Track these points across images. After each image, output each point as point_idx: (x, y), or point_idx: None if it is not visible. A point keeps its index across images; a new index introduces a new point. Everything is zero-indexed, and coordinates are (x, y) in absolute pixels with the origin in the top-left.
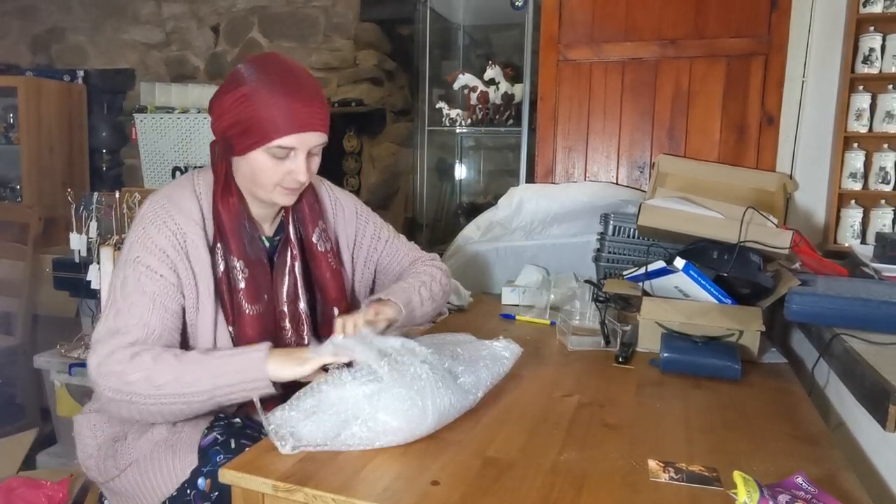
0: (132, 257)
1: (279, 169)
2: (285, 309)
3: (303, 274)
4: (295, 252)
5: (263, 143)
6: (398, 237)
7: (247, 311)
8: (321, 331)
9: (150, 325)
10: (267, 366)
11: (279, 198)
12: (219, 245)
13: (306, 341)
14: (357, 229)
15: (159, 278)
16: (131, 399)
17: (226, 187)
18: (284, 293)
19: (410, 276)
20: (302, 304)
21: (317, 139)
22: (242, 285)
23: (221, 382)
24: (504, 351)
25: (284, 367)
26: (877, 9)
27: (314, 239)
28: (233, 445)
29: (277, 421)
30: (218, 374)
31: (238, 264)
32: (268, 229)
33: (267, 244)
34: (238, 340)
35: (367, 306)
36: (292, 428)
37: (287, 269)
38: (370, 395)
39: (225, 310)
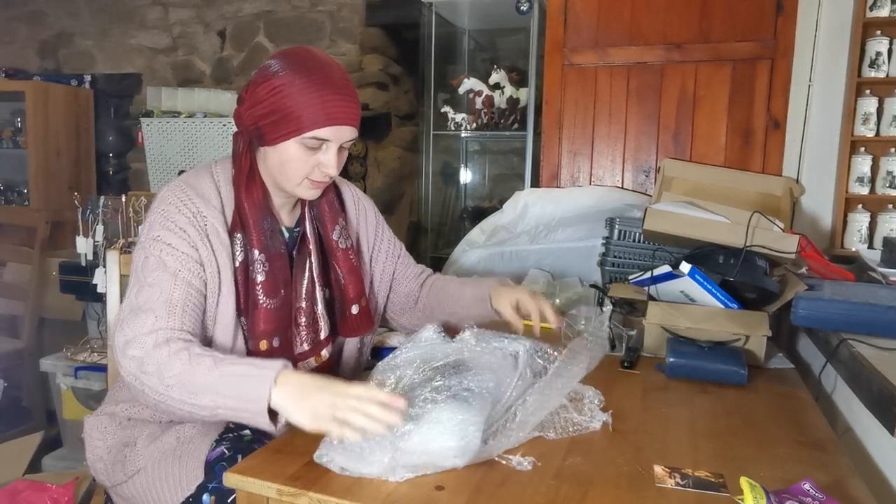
0: (153, 236)
1: (309, 161)
2: (302, 305)
3: (320, 272)
4: (311, 247)
5: (299, 134)
6: (406, 252)
7: (263, 303)
8: (339, 329)
9: (173, 300)
10: (271, 395)
11: (304, 192)
12: (238, 234)
13: (322, 336)
14: (376, 236)
15: (181, 254)
16: (144, 389)
17: (250, 178)
18: (303, 290)
19: (454, 283)
20: (319, 302)
21: (350, 133)
22: (262, 278)
23: (222, 403)
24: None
25: (294, 407)
26: (883, 13)
27: (334, 236)
28: (239, 461)
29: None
30: (221, 391)
31: (259, 257)
32: (287, 220)
33: (287, 236)
34: (251, 333)
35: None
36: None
37: (306, 265)
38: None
39: (238, 300)
